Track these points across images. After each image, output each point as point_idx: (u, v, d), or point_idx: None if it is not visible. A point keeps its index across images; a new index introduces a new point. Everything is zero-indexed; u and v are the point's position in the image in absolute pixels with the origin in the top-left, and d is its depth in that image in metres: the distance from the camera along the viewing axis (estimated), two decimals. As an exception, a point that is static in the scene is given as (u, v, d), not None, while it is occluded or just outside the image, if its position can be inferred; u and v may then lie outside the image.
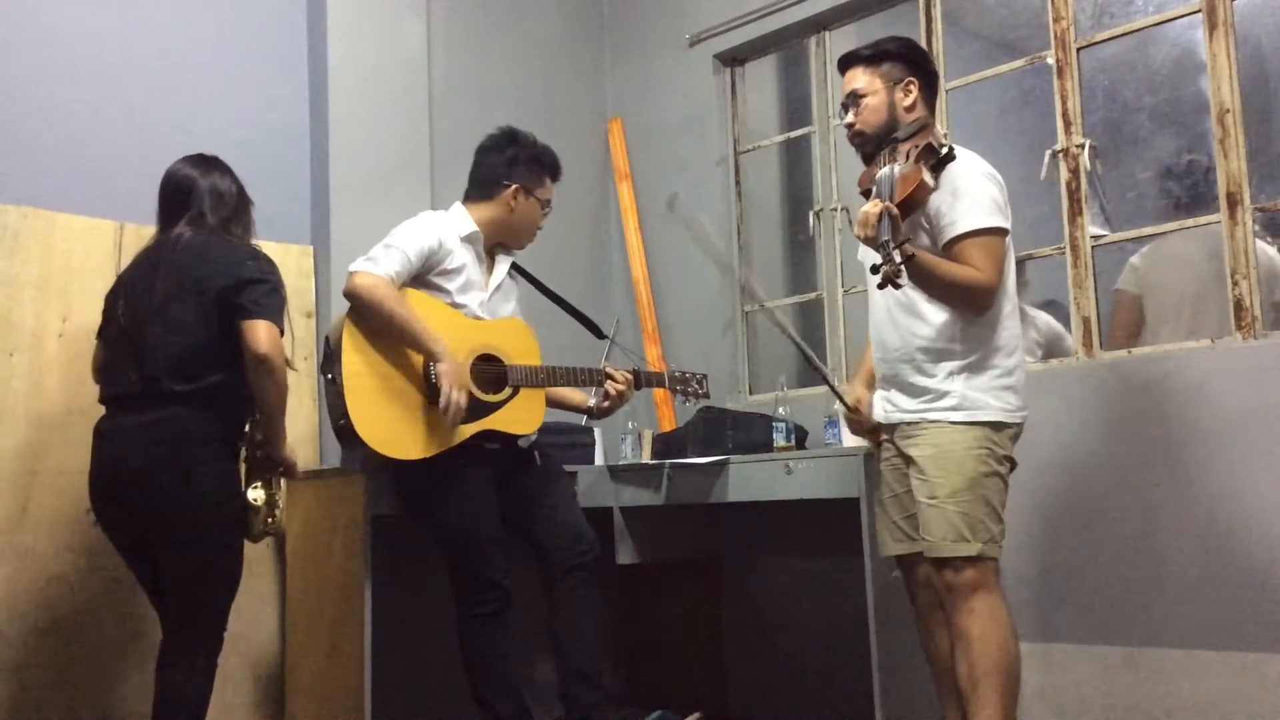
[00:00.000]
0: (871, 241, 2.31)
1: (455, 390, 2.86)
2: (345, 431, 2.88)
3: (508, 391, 3.02)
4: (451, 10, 4.16)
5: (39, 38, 3.28)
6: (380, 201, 3.76)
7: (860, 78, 2.66)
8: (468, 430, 2.94)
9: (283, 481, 2.85)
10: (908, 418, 2.58)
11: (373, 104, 3.84)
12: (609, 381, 3.16)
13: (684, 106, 4.40)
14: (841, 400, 2.87)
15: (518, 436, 3.06)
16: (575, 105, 4.51)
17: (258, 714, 3.41)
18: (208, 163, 2.79)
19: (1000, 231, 2.49)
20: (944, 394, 2.52)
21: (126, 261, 3.00)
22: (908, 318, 2.59)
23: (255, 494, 2.74)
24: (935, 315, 2.53)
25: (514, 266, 3.25)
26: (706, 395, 3.41)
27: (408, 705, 3.39)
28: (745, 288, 3.16)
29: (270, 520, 2.78)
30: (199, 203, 2.71)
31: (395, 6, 3.96)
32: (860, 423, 2.81)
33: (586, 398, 3.31)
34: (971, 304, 2.49)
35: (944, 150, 2.50)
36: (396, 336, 2.89)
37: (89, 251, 3.25)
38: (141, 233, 3.03)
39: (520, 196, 3.11)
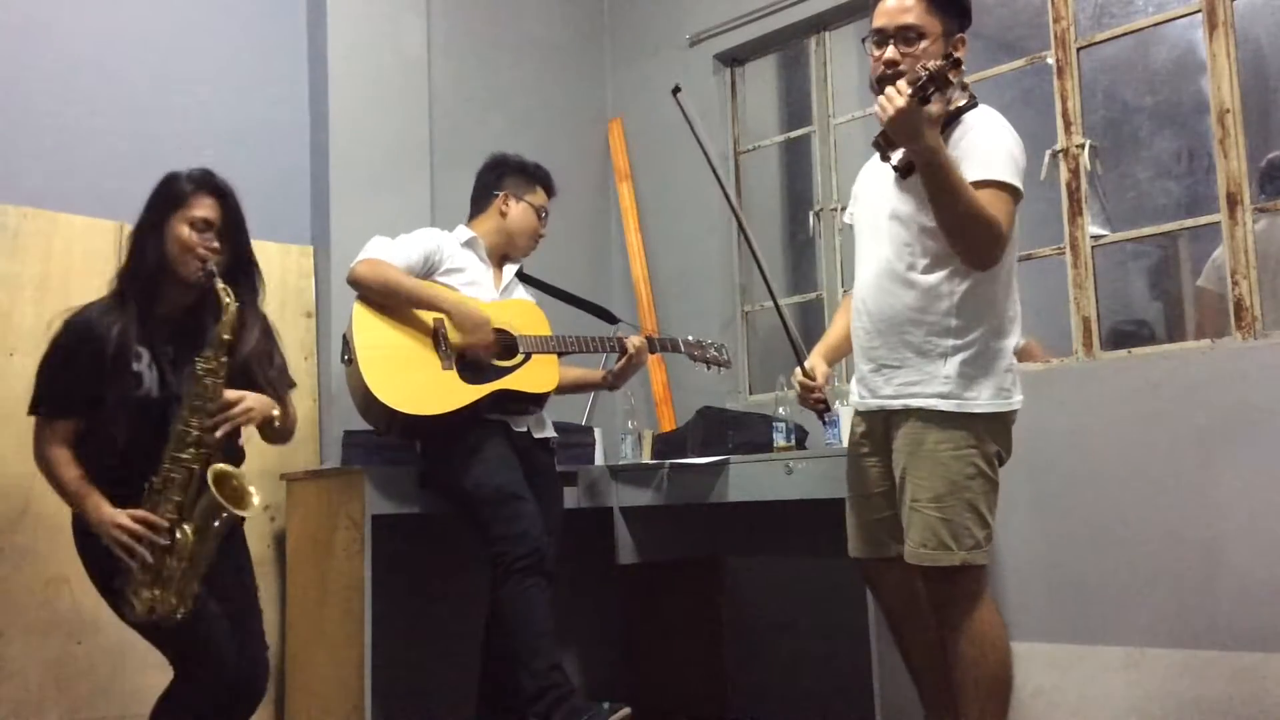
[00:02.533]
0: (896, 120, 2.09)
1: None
2: (368, 403, 2.98)
3: (520, 358, 3.14)
4: (451, 10, 4.16)
5: (39, 38, 3.28)
6: (380, 201, 3.76)
7: (920, 13, 2.35)
8: (483, 390, 3.05)
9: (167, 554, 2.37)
10: (890, 405, 2.39)
11: (373, 104, 3.84)
12: (625, 340, 3.29)
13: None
14: (800, 363, 2.68)
15: (532, 397, 3.16)
16: (575, 105, 4.51)
17: (258, 714, 3.40)
18: None
19: (1014, 191, 2.27)
20: (931, 378, 2.32)
21: (126, 262, 3.00)
22: (899, 286, 2.37)
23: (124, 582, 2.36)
24: (931, 283, 2.32)
25: (520, 273, 3.38)
26: (727, 363, 3.48)
27: (408, 705, 3.39)
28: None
29: (136, 603, 2.35)
30: None
31: (395, 6, 3.96)
32: (810, 392, 2.62)
33: (592, 372, 3.45)
34: (981, 245, 2.23)
35: (964, 98, 2.30)
36: (405, 302, 3.04)
37: (89, 251, 3.24)
38: (141, 233, 3.02)
39: (511, 201, 3.30)
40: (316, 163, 3.78)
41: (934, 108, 2.10)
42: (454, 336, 3.07)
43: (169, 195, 2.54)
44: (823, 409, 2.65)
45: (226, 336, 2.42)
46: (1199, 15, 3.15)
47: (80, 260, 3.23)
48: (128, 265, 2.54)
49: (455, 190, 3.57)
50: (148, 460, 2.39)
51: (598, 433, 4.01)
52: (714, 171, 2.99)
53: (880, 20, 2.40)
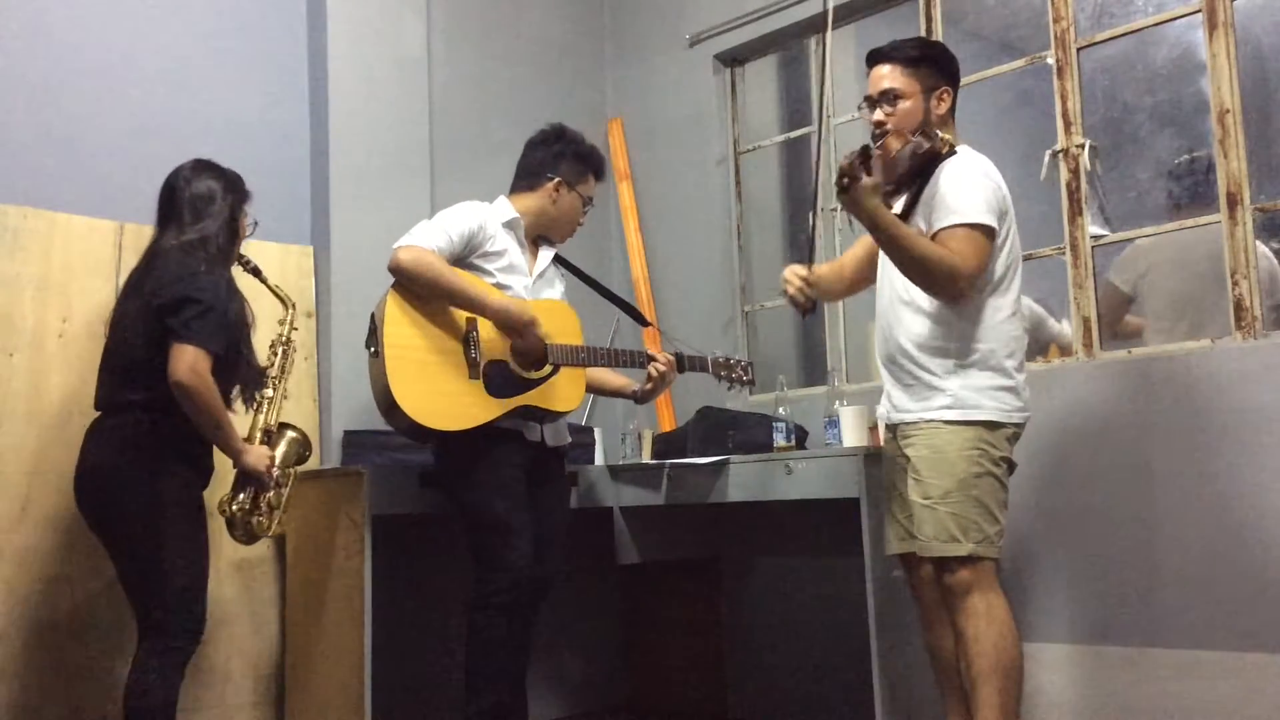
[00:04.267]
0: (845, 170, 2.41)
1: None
2: (387, 404, 2.90)
3: (548, 369, 3.06)
4: (451, 10, 4.16)
5: (39, 38, 3.28)
6: (380, 201, 3.76)
7: (898, 78, 2.63)
8: (507, 405, 2.98)
9: (280, 488, 2.90)
10: (906, 418, 2.59)
11: (373, 104, 3.84)
12: (651, 364, 3.19)
13: (684, 106, 4.40)
14: (810, 261, 2.77)
15: (555, 414, 3.10)
16: (575, 105, 4.50)
17: (258, 714, 3.41)
18: (199, 169, 2.82)
19: (985, 229, 2.48)
20: (939, 392, 2.53)
21: (126, 261, 3.08)
22: (907, 312, 2.59)
23: (237, 502, 2.81)
24: (933, 311, 2.54)
25: (557, 257, 3.29)
26: (752, 382, 3.36)
27: (408, 705, 3.39)
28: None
29: (253, 525, 2.84)
30: (179, 212, 2.76)
31: (395, 6, 3.96)
32: (808, 284, 2.68)
33: (629, 382, 3.33)
34: (940, 285, 2.47)
35: (943, 147, 2.53)
36: (447, 298, 2.95)
37: (89, 251, 3.25)
38: (141, 232, 3.03)
39: (563, 189, 3.19)
40: (316, 163, 3.78)
41: (867, 181, 2.41)
42: (491, 338, 2.98)
43: (243, 188, 2.86)
44: (807, 309, 2.70)
45: (292, 321, 3.03)
46: (1199, 15, 3.15)
47: (80, 260, 3.23)
48: (230, 237, 2.80)
49: (455, 190, 3.56)
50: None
51: (598, 433, 4.01)
52: (818, 144, 3.02)
53: (869, 89, 2.68)
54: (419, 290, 2.94)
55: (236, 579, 3.41)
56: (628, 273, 4.47)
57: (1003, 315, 2.54)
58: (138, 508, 2.63)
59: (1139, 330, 3.41)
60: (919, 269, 2.48)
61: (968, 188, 2.50)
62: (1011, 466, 2.57)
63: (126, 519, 2.65)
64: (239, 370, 2.76)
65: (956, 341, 2.52)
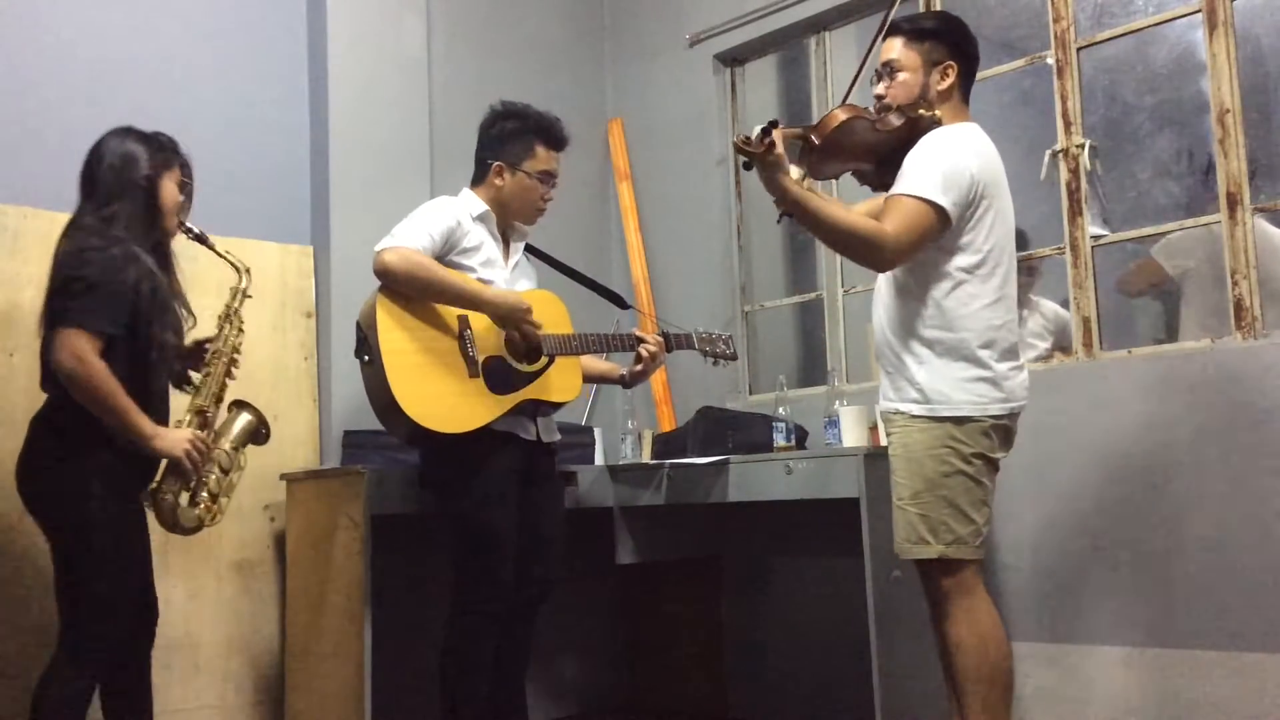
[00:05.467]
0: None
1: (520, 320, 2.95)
2: (390, 411, 2.84)
3: (544, 361, 3.03)
4: (451, 10, 4.16)
5: (39, 37, 3.28)
6: (380, 201, 3.75)
7: (898, 49, 2.57)
8: (510, 401, 2.95)
9: (225, 473, 2.70)
10: (886, 407, 2.54)
11: (373, 104, 3.84)
12: (642, 345, 3.18)
13: (684, 106, 4.40)
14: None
15: (557, 405, 3.08)
16: (575, 105, 4.50)
17: (258, 714, 3.41)
18: (118, 135, 2.63)
19: (930, 205, 2.37)
20: (909, 384, 2.46)
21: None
22: (889, 296, 2.54)
23: (162, 490, 2.59)
24: (909, 300, 2.47)
25: (528, 247, 3.25)
26: (734, 356, 3.39)
27: (408, 705, 3.39)
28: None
29: (180, 515, 2.62)
30: (95, 185, 2.59)
31: (395, 6, 3.96)
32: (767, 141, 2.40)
33: (614, 367, 3.33)
34: (862, 256, 2.47)
35: (922, 120, 2.50)
36: (441, 297, 2.90)
37: (89, 251, 3.24)
38: (141, 233, 3.02)
39: (506, 174, 3.07)
40: (316, 163, 3.78)
41: (779, 153, 2.35)
42: (485, 334, 2.94)
43: (170, 151, 2.66)
44: (745, 156, 2.46)
45: (245, 289, 2.77)
46: (1199, 15, 3.15)
47: (80, 260, 3.22)
48: (149, 207, 2.60)
49: (455, 191, 3.56)
50: (159, 401, 2.59)
51: (598, 433, 4.01)
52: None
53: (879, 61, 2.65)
54: (411, 292, 2.88)
55: (236, 579, 3.41)
56: (628, 273, 4.47)
57: (979, 304, 2.43)
58: (61, 501, 2.49)
59: (1162, 278, 3.35)
60: (840, 241, 2.47)
61: (925, 161, 2.42)
62: (991, 462, 2.46)
63: (50, 514, 2.53)
64: (149, 348, 2.53)
65: (926, 329, 2.44)
